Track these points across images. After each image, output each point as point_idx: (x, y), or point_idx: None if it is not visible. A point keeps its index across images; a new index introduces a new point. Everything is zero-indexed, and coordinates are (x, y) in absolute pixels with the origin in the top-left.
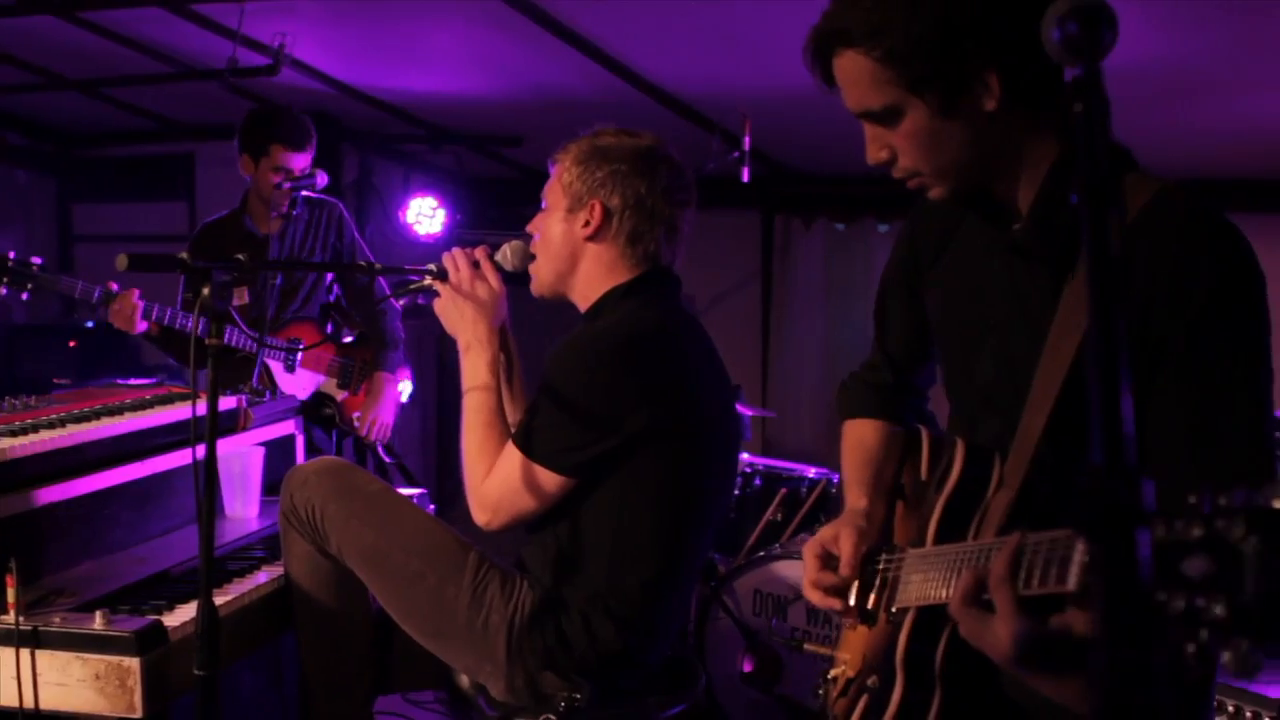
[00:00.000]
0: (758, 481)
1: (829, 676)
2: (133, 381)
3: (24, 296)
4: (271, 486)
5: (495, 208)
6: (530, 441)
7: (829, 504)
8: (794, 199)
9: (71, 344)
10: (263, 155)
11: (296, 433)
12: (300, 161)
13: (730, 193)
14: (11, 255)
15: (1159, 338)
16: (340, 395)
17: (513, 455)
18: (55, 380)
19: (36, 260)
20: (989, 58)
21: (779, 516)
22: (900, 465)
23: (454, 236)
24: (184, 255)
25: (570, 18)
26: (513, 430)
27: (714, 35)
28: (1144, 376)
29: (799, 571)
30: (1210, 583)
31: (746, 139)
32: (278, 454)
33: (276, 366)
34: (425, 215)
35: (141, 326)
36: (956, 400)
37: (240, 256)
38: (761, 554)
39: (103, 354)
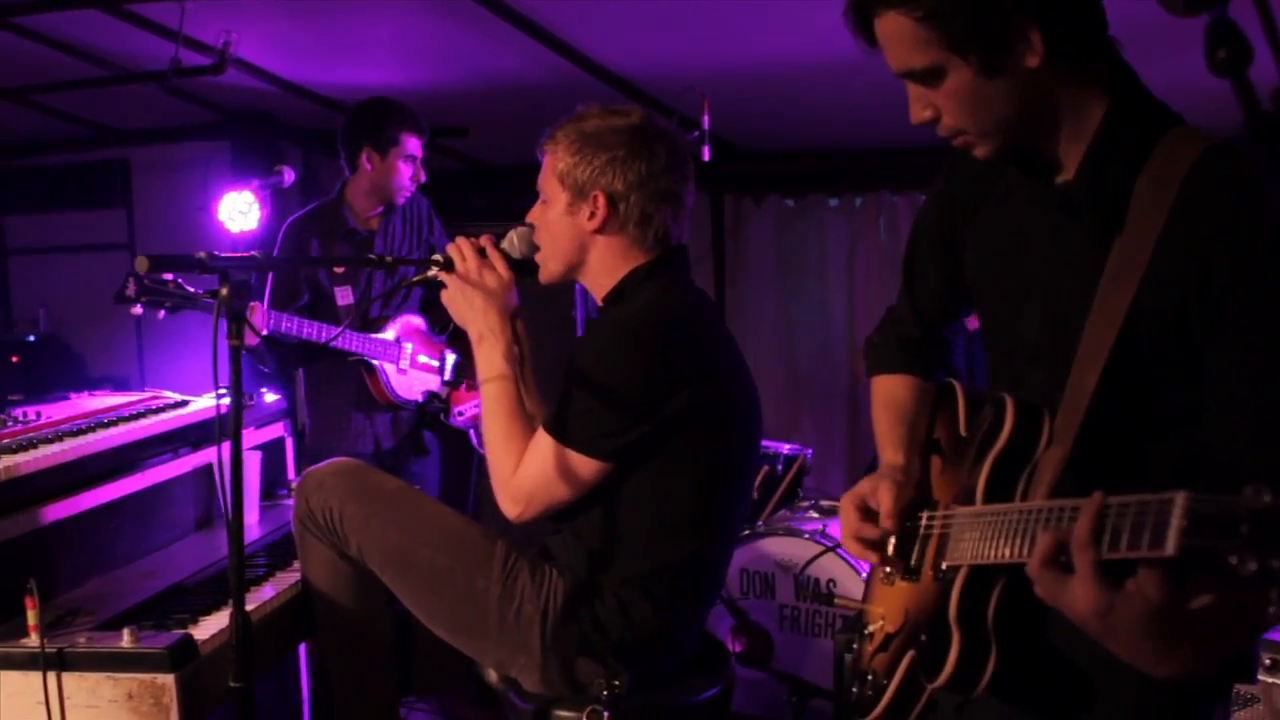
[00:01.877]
0: None
1: (865, 632)
2: (86, 394)
3: (160, 315)
4: (264, 491)
5: (444, 200)
6: (565, 429)
7: (805, 479)
8: (743, 177)
9: (14, 359)
10: (392, 146)
11: (286, 435)
12: (421, 148)
13: None
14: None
15: (1219, 298)
16: (444, 390)
17: (546, 444)
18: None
19: (168, 276)
20: (1030, 14)
21: (757, 494)
22: (933, 420)
23: None
24: (201, 255)
25: (519, 1)
26: (535, 419)
27: (664, 14)
28: (1206, 334)
29: (783, 548)
30: None
31: (705, 118)
32: (269, 457)
33: (390, 368)
34: None
35: (254, 340)
36: (997, 353)
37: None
38: (746, 532)
39: (47, 367)
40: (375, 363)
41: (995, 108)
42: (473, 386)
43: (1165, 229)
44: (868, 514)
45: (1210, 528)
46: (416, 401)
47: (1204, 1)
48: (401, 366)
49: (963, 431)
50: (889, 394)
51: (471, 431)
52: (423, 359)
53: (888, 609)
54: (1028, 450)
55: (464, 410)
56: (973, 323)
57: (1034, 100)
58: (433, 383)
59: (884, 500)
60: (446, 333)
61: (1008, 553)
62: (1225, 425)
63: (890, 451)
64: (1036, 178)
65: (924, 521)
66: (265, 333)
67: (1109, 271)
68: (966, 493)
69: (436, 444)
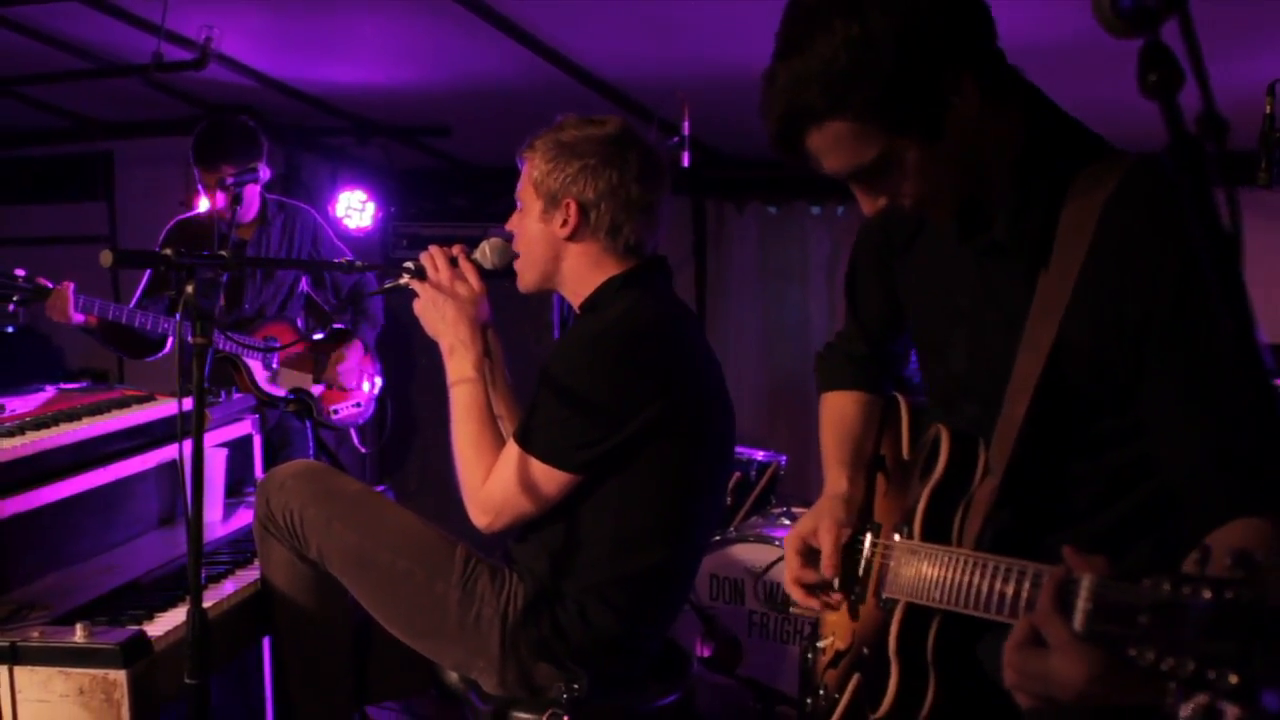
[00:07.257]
0: None
1: (818, 645)
2: (64, 386)
3: (10, 308)
4: (230, 488)
5: (425, 199)
6: (534, 440)
7: (778, 486)
8: (725, 183)
9: None
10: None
11: (254, 432)
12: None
13: None
14: None
15: (1139, 323)
16: (316, 390)
17: (515, 455)
18: None
19: (20, 272)
20: (959, 61)
21: (730, 500)
22: (880, 435)
23: (387, 229)
24: (168, 251)
25: (502, 3)
26: (508, 429)
27: (646, 19)
28: (1135, 359)
29: (754, 555)
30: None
31: (685, 123)
32: (236, 454)
33: (255, 365)
34: (355, 209)
35: (78, 319)
36: (931, 381)
37: (224, 253)
38: (716, 538)
39: (24, 360)
40: (242, 360)
41: (948, 169)
42: (345, 387)
43: (1085, 262)
44: (809, 556)
45: (1113, 614)
46: (287, 397)
47: (1139, 25)
48: (266, 364)
49: (905, 454)
50: (837, 411)
51: (352, 430)
52: (292, 359)
53: (838, 626)
54: (964, 483)
55: (339, 409)
56: None
57: (976, 146)
58: (303, 380)
59: (824, 542)
60: (324, 334)
61: (938, 596)
62: (1166, 449)
63: (834, 472)
64: (964, 222)
65: (866, 545)
66: (80, 316)
67: (1034, 308)
68: (905, 525)
69: (311, 439)
